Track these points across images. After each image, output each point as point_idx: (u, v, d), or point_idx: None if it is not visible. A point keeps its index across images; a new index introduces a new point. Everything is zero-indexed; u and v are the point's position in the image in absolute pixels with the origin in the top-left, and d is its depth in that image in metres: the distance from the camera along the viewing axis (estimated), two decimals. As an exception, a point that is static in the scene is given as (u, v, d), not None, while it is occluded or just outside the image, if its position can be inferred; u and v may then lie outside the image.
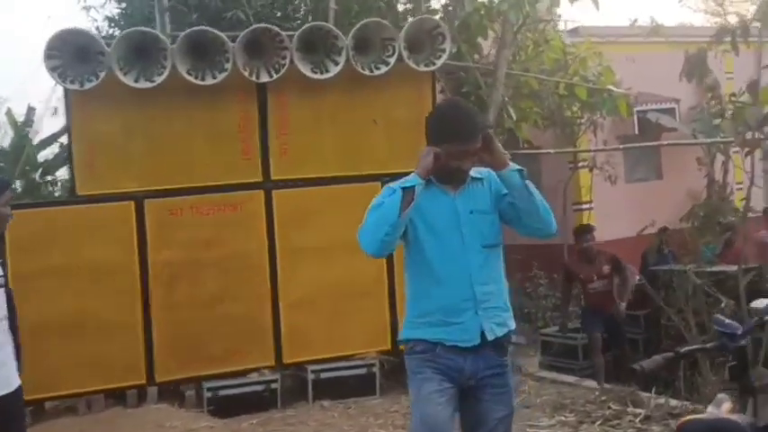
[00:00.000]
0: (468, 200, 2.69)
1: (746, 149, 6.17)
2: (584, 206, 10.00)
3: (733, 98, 7.53)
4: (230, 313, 5.82)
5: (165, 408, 5.66)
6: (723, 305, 5.82)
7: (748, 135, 7.60)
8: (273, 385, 5.88)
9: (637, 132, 10.06)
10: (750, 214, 8.25)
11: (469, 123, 2.63)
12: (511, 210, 2.70)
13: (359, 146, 6.18)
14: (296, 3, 8.13)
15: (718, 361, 4.52)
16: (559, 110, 8.62)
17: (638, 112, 9.94)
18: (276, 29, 5.57)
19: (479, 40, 7.34)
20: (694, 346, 2.45)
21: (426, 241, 2.68)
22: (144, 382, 5.74)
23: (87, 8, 8.73)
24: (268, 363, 5.97)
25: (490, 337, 2.64)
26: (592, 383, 6.21)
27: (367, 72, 5.86)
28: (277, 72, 5.61)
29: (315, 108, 6.03)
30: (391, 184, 2.68)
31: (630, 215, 9.35)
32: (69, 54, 5.13)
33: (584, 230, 7.00)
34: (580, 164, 9.77)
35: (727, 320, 2.30)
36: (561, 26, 9.26)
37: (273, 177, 5.96)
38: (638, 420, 4.82)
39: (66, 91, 5.36)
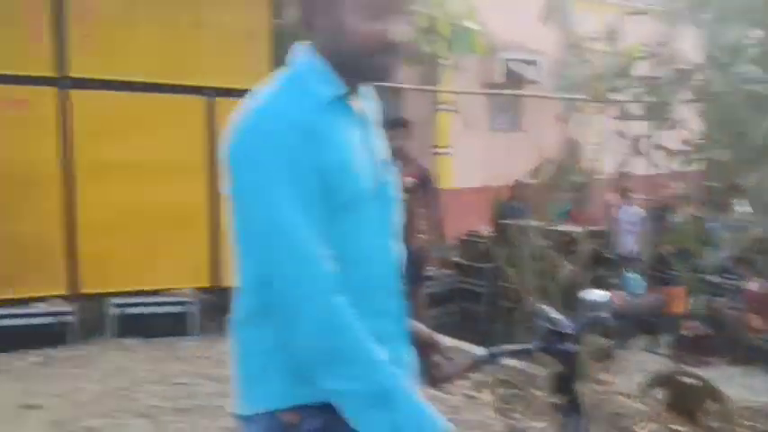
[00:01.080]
0: None
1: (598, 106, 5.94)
2: (442, 150, 9.60)
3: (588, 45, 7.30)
4: (12, 231, 4.83)
5: None
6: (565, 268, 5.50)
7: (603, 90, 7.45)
8: (67, 318, 5.00)
9: (504, 81, 9.75)
10: (602, 176, 8.24)
11: None
12: None
13: (181, 51, 5.29)
14: None
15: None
16: (422, 44, 8.08)
17: (506, 61, 9.63)
18: None
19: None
20: (511, 347, 1.81)
21: None
22: None
23: None
24: (59, 291, 5.07)
25: None
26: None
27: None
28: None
29: (127, -4, 5.06)
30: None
31: (488, 165, 9.06)
32: None
33: (397, 123, 5.24)
34: (442, 106, 9.31)
35: (555, 314, 1.69)
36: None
37: (72, 74, 4.95)
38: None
39: None
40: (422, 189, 5.21)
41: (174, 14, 5.26)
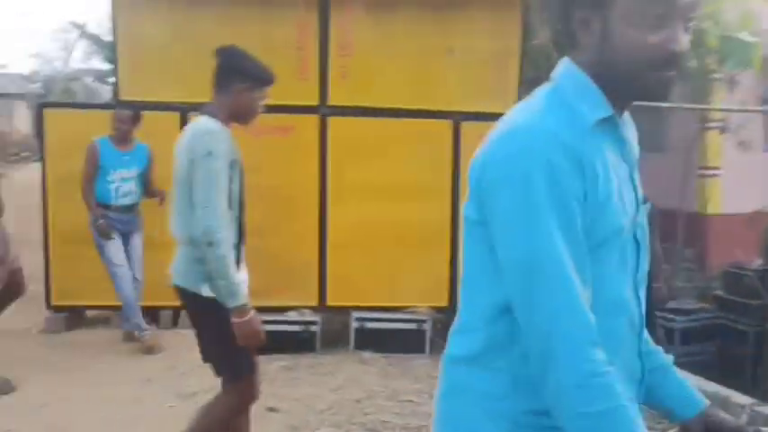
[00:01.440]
0: None
1: None
2: (710, 172, 8.71)
3: None
4: (273, 246, 5.39)
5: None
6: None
7: None
8: (313, 327, 5.43)
9: (784, 97, 8.62)
10: None
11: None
12: None
13: (430, 77, 5.47)
14: None
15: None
16: (690, 58, 7.41)
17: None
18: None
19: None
20: None
21: None
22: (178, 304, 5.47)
23: None
24: (310, 303, 5.53)
25: None
26: (685, 375, 5.21)
27: (445, -9, 5.13)
28: (340, -18, 5.00)
29: (383, 29, 5.38)
30: None
31: (763, 190, 8.04)
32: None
33: None
34: (710, 124, 8.46)
35: None
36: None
37: (330, 103, 5.39)
38: None
39: (112, -11, 5.04)
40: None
41: (425, 43, 5.46)
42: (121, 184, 5.04)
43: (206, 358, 2.82)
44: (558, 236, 1.14)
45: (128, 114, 4.98)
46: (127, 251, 5.12)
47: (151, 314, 5.48)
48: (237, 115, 2.77)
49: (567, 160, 1.15)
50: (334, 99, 5.39)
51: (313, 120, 5.35)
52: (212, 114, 2.69)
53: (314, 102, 5.38)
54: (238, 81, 2.71)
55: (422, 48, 5.43)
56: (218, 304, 2.59)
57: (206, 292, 2.63)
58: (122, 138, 5.03)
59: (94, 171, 4.96)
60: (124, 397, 4.26)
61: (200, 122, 2.68)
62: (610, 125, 1.24)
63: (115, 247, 5.02)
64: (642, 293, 1.32)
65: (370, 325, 5.52)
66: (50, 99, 29.61)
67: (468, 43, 5.47)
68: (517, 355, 1.22)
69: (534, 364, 1.17)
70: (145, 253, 5.20)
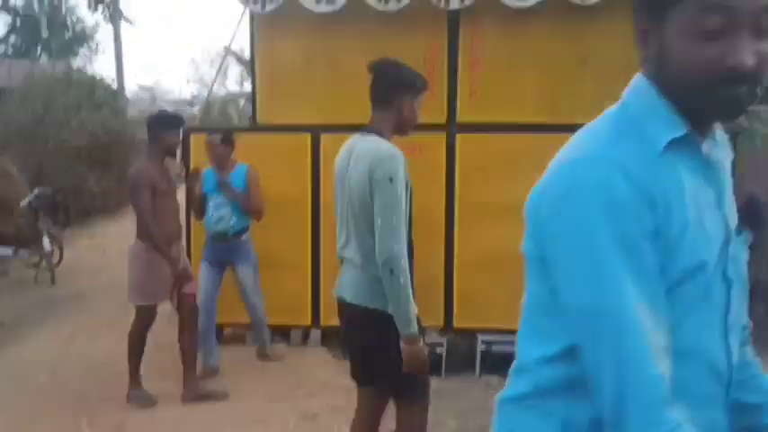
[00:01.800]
0: None
1: None
2: None
3: None
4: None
5: (323, 352, 5.45)
6: None
7: None
8: (439, 350, 5.34)
9: None
10: None
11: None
12: None
13: (563, 89, 5.27)
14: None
15: None
16: None
17: None
18: (470, -53, 4.86)
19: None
20: None
21: None
22: (309, 323, 5.59)
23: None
24: (437, 323, 5.45)
25: None
26: None
27: (578, 0, 4.91)
28: (469, -3, 4.93)
29: (514, 42, 5.25)
30: None
31: None
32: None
33: None
34: None
35: None
36: None
37: (459, 120, 5.32)
38: None
39: (252, 16, 5.26)
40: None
41: (556, 53, 5.26)
42: (215, 212, 4.93)
43: (373, 377, 2.79)
44: (625, 280, 1.02)
45: (217, 137, 4.91)
46: (239, 281, 5.06)
47: (282, 333, 5.63)
48: (402, 127, 2.77)
49: (633, 193, 1.03)
50: (463, 116, 5.31)
51: (441, 138, 5.29)
52: (380, 133, 2.69)
53: (442, 120, 5.33)
54: (402, 93, 2.71)
55: (553, 60, 5.24)
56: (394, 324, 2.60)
57: (390, 310, 2.63)
58: (218, 162, 4.91)
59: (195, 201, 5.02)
60: (249, 415, 4.35)
61: (376, 144, 2.64)
62: (688, 145, 1.10)
63: (204, 277, 4.97)
64: (734, 339, 1.14)
65: (497, 348, 5.34)
66: (208, 122, 31.95)
67: (602, 54, 5.21)
68: (570, 401, 1.12)
69: (608, 417, 1.06)
70: (274, 273, 5.31)
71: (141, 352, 4.54)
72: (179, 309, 4.65)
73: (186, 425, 4.24)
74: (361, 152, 2.65)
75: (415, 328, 2.57)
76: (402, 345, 2.57)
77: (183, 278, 4.49)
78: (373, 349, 2.71)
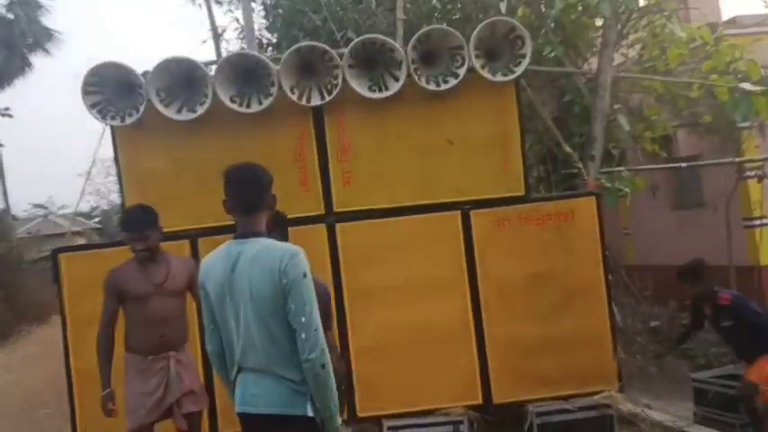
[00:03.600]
0: None
1: None
2: (757, 222, 8.34)
3: None
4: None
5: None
6: None
7: None
8: (345, 444, 5.21)
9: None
10: None
11: None
12: None
13: (433, 170, 5.45)
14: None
15: None
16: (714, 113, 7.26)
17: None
18: (324, 46, 5.04)
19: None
20: None
21: None
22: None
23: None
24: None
25: None
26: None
27: (433, 86, 5.17)
28: (330, 93, 5.08)
29: (379, 130, 5.41)
30: None
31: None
32: (110, 89, 4.96)
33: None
34: (747, 173, 8.19)
35: None
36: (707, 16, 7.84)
37: (336, 209, 5.38)
38: None
39: (112, 128, 5.21)
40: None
41: (423, 137, 5.45)
42: None
43: None
44: None
45: None
46: None
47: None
48: (269, 223, 2.82)
49: None
50: (340, 205, 5.38)
51: (321, 229, 5.31)
52: (263, 235, 2.71)
53: (320, 211, 5.37)
54: (270, 190, 2.80)
55: (419, 142, 5.43)
56: (317, 426, 2.59)
57: (311, 412, 2.60)
58: None
59: None
60: None
61: (273, 245, 2.65)
62: None
63: None
64: None
65: (405, 432, 5.27)
66: (107, 232, 31.09)
67: (468, 132, 5.45)
68: None
69: None
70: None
71: None
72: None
73: None
74: (255, 256, 2.62)
75: (340, 419, 2.63)
76: None
77: (105, 408, 3.92)
78: None
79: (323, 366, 2.51)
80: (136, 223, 4.01)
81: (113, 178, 34.30)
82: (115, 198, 36.01)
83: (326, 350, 2.54)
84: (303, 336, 2.51)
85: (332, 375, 2.55)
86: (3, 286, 15.38)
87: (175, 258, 4.18)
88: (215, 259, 2.75)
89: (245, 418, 2.69)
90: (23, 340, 14.46)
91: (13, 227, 19.24)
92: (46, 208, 34.00)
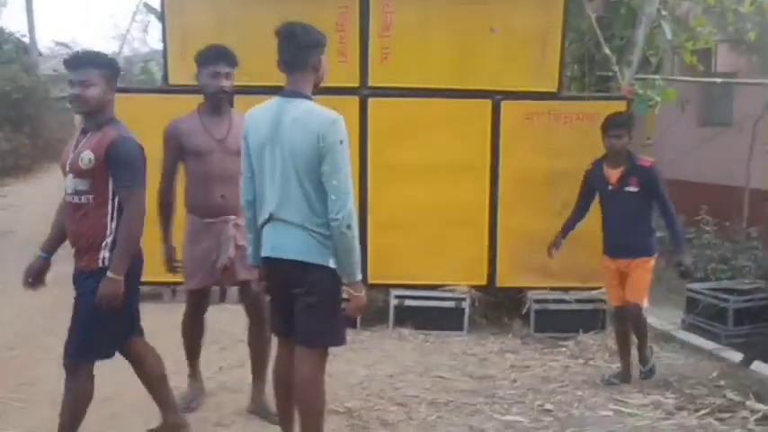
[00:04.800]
0: None
1: None
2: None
3: None
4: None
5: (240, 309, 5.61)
6: None
7: None
8: (353, 304, 5.58)
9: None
10: None
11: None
12: None
13: (471, 56, 5.51)
14: None
15: None
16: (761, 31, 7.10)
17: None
18: None
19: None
20: None
21: None
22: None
23: None
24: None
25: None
26: (735, 357, 4.99)
27: (484, -29, 5.12)
28: (379, -36, 5.05)
29: (424, 8, 5.42)
30: None
31: None
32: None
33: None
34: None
35: None
36: None
37: (371, 84, 5.48)
38: (752, 419, 3.86)
39: (160, -22, 5.23)
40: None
41: (465, 22, 5.47)
42: None
43: (306, 328, 2.88)
44: None
45: None
46: None
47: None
48: (317, 86, 2.92)
49: None
50: (375, 80, 5.47)
51: (354, 101, 5.44)
52: (306, 97, 2.82)
53: (355, 83, 5.47)
54: (316, 52, 2.85)
55: (463, 26, 5.44)
56: (339, 277, 2.83)
57: (333, 264, 2.82)
58: None
59: None
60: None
61: (316, 109, 2.77)
62: None
63: None
64: None
65: (409, 302, 5.64)
66: (131, 78, 30.89)
67: (510, 22, 5.46)
68: None
69: None
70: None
71: (190, 342, 3.92)
72: (240, 298, 3.97)
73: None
74: (298, 117, 2.74)
75: (360, 275, 2.82)
76: (351, 292, 2.81)
77: (170, 265, 3.76)
78: (318, 302, 2.84)
79: (348, 227, 2.71)
80: (226, 57, 3.63)
81: (138, 25, 33.69)
82: (138, 46, 35.49)
83: (354, 213, 2.73)
84: (333, 197, 2.69)
85: (356, 237, 2.75)
86: (28, 122, 15.59)
87: (237, 115, 3.70)
88: (260, 113, 2.88)
89: (272, 263, 2.93)
90: (45, 176, 14.89)
91: (38, 63, 19.20)
92: (69, 47, 33.73)
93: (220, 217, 3.62)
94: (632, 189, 4.31)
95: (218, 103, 3.67)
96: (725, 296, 5.77)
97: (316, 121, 2.72)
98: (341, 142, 2.70)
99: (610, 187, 4.39)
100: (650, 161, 4.38)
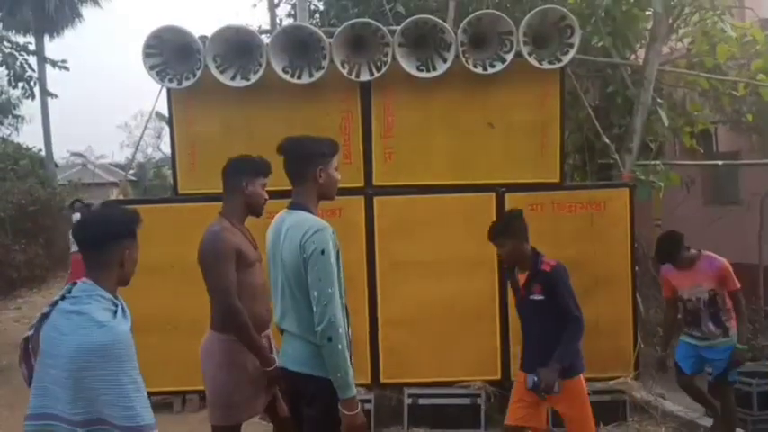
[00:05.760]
0: None
1: None
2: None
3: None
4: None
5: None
6: None
7: None
8: (367, 405, 5.45)
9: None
10: None
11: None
12: None
13: (472, 152, 5.62)
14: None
15: None
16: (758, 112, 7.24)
17: None
18: (376, 24, 5.20)
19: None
20: None
21: None
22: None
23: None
24: (363, 380, 5.57)
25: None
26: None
27: (480, 70, 5.29)
28: (379, 70, 5.25)
29: (423, 109, 5.58)
30: None
31: None
32: (169, 52, 5.18)
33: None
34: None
35: None
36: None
37: (375, 183, 5.58)
38: None
39: (168, 90, 5.43)
40: None
41: (465, 119, 5.61)
42: None
43: None
44: None
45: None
46: None
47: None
48: (325, 194, 2.97)
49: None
50: (379, 180, 5.58)
51: (359, 201, 5.52)
52: (305, 208, 2.87)
53: (360, 183, 5.57)
54: (314, 164, 2.90)
55: (462, 124, 5.58)
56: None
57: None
58: None
59: None
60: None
61: (303, 219, 2.80)
62: None
63: None
64: None
65: (423, 401, 5.51)
66: (143, 184, 31.70)
67: (509, 117, 5.59)
68: None
69: None
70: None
71: None
72: (274, 424, 3.56)
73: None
74: (291, 227, 2.81)
75: (353, 391, 2.71)
76: (342, 410, 2.70)
77: (277, 380, 3.23)
78: (316, 416, 2.80)
79: (329, 339, 2.65)
80: (271, 170, 3.43)
81: (151, 132, 34.76)
82: (151, 152, 36.53)
83: (337, 325, 2.66)
84: (314, 308, 2.69)
85: (341, 350, 2.66)
86: (43, 232, 15.85)
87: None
88: (271, 227, 2.98)
89: (283, 373, 2.95)
90: (59, 285, 14.98)
91: (55, 174, 19.76)
92: (84, 156, 34.69)
93: (262, 333, 3.33)
94: (537, 297, 3.80)
95: (261, 213, 3.45)
96: (747, 379, 5.61)
97: (300, 231, 2.75)
98: (322, 252, 2.69)
99: (519, 294, 3.96)
100: (552, 264, 3.83)
